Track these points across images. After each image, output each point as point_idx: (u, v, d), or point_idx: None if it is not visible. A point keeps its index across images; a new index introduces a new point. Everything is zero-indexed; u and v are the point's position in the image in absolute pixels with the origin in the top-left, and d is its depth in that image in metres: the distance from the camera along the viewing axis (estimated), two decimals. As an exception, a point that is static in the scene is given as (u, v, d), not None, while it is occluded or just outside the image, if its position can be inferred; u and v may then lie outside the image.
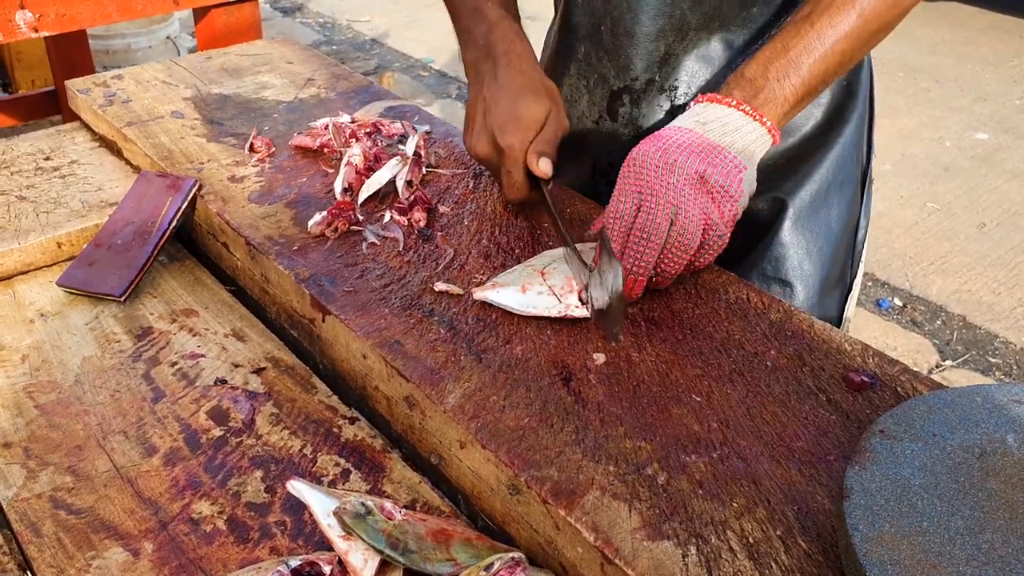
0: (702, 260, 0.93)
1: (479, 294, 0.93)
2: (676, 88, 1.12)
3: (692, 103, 0.97)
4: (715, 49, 1.10)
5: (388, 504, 0.73)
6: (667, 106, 1.13)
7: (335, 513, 0.71)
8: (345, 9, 5.44)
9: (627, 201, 0.90)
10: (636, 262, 0.89)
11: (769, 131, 0.94)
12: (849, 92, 1.18)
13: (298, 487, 0.75)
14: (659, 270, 0.91)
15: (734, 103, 0.93)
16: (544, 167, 1.00)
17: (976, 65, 4.64)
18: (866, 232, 1.25)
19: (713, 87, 1.10)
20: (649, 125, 1.15)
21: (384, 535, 0.70)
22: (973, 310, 2.93)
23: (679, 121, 0.95)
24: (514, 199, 1.05)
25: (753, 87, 0.94)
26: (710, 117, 0.94)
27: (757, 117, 0.93)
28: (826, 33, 0.94)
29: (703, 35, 1.10)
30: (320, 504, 0.74)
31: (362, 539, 0.70)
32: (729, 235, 0.92)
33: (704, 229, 0.90)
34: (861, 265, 1.25)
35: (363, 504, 0.71)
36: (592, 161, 1.22)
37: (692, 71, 1.11)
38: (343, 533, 0.71)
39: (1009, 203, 3.48)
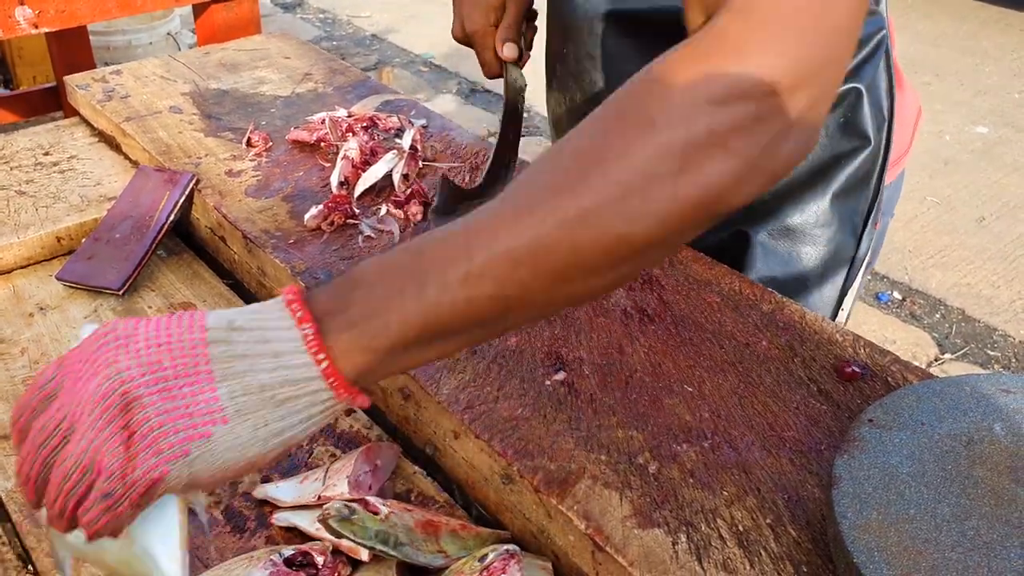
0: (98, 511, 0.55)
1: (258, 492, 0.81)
2: None
3: (278, 291, 0.65)
4: None
5: (371, 498, 0.74)
6: None
7: (320, 520, 0.71)
8: (345, 5, 5.44)
9: (34, 393, 0.58)
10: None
11: (331, 386, 0.56)
12: (847, 132, 1.03)
13: (281, 517, 0.78)
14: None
15: (300, 313, 0.57)
16: (508, 52, 1.07)
17: (977, 59, 4.63)
18: (864, 270, 1.12)
19: None
20: None
21: (373, 531, 0.71)
22: (972, 303, 2.93)
23: (211, 314, 0.58)
24: (488, 76, 1.12)
25: (350, 295, 0.58)
26: (251, 322, 0.57)
27: (323, 360, 0.56)
28: (476, 252, 0.57)
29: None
30: (307, 522, 0.76)
31: (352, 540, 0.70)
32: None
33: (105, 472, 0.54)
34: (851, 299, 1.13)
35: (346, 506, 0.71)
36: None
37: None
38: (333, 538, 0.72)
39: (1009, 197, 3.48)
